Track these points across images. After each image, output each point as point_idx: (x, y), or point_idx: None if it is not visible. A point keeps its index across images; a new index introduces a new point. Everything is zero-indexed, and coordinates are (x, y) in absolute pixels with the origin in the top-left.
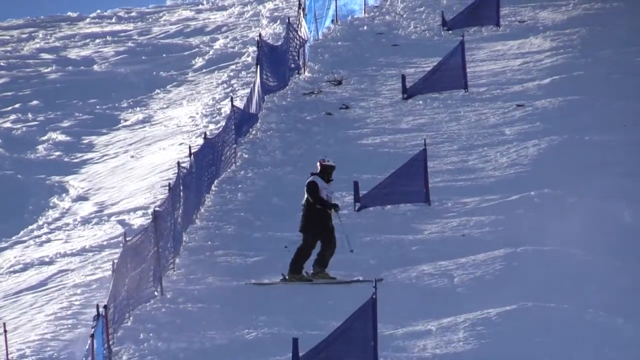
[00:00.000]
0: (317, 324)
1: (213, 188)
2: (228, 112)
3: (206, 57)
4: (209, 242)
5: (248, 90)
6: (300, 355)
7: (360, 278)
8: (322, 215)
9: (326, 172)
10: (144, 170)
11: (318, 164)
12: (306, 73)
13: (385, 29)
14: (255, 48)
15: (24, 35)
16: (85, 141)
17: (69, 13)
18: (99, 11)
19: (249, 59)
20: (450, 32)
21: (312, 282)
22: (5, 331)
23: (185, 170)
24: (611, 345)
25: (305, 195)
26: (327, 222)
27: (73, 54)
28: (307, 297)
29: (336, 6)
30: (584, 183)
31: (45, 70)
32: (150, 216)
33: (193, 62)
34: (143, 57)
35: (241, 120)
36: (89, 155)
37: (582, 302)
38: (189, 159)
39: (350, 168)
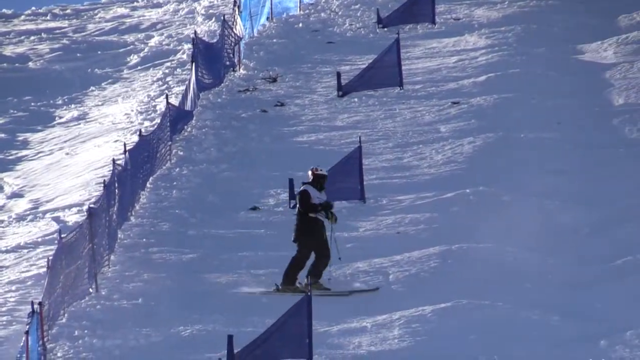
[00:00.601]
0: (252, 321)
1: (148, 185)
2: (163, 109)
3: (141, 55)
4: (144, 239)
5: (183, 87)
6: (235, 352)
7: (359, 287)
8: (316, 225)
9: (318, 182)
10: (79, 168)
11: (310, 172)
12: (241, 70)
13: (321, 26)
14: (190, 45)
15: None
16: (20, 138)
17: (4, 10)
18: (33, 8)
19: (184, 57)
20: (385, 29)
21: (306, 293)
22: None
23: (120, 168)
24: (546, 343)
25: (297, 205)
26: (321, 232)
27: (8, 50)
28: (242, 295)
29: (271, 4)
30: (519, 181)
31: None
32: (85, 213)
33: (128, 60)
34: (78, 54)
35: (176, 118)
36: (24, 152)
37: (517, 300)
38: (124, 156)
39: (285, 165)
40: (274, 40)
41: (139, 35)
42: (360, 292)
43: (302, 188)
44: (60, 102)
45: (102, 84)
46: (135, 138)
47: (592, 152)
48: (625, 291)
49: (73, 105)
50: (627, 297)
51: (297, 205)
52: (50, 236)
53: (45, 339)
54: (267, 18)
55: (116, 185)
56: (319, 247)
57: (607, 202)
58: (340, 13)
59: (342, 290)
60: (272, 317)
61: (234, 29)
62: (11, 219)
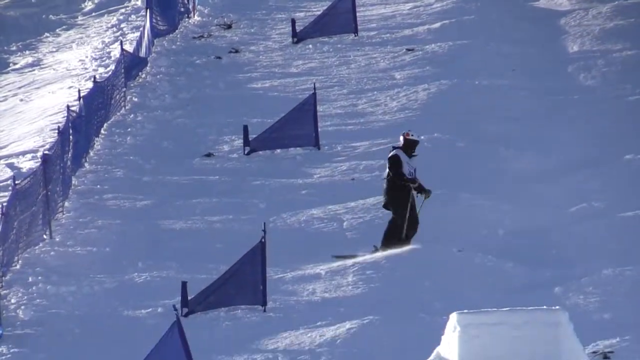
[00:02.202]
0: (206, 268)
1: (102, 132)
2: (118, 55)
3: (95, 1)
4: (98, 186)
5: (137, 34)
6: (189, 299)
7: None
8: (402, 193)
9: (410, 147)
10: (33, 114)
11: (401, 137)
12: (196, 17)
13: None
14: None
15: None
16: None
17: None
18: None
19: (139, 3)
20: None
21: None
22: None
23: (74, 114)
24: (500, 289)
25: (387, 170)
26: (409, 198)
27: None
28: (197, 241)
29: None
30: (474, 127)
31: None
32: (40, 160)
33: (82, 6)
34: (32, 0)
35: (131, 64)
36: None
37: (472, 246)
38: (78, 102)
39: (239, 112)
40: None
41: None
42: None
43: (392, 152)
44: (14, 48)
45: (57, 30)
46: (90, 84)
47: (546, 99)
48: (580, 238)
49: (27, 52)
50: (581, 244)
51: (387, 170)
52: (4, 183)
53: None
54: None
55: (70, 131)
56: (410, 214)
57: (561, 149)
58: None
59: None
60: (227, 264)
61: None
62: None
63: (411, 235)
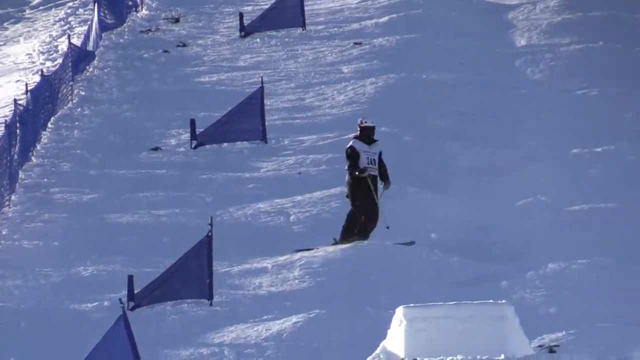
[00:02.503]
0: (152, 262)
1: (50, 125)
2: (65, 49)
3: None
4: (45, 180)
5: (85, 27)
6: (135, 292)
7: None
8: (361, 183)
9: (366, 134)
10: None
11: (358, 126)
12: (144, 11)
13: None
14: None
15: None
16: None
17: None
18: None
19: None
20: None
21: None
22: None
23: (21, 108)
24: (446, 282)
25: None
26: (367, 191)
27: None
28: (143, 235)
29: None
30: (421, 121)
31: None
32: None
33: (30, 0)
34: None
35: (78, 58)
36: None
37: (419, 240)
38: (25, 96)
39: (187, 106)
40: None
41: None
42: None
43: (349, 143)
44: None
45: (4, 24)
46: (37, 78)
47: (494, 94)
48: (527, 232)
49: None
50: (528, 238)
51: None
52: None
53: None
54: None
55: (17, 125)
56: (367, 206)
57: (508, 143)
58: None
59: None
60: (173, 258)
61: None
62: None
63: (370, 229)
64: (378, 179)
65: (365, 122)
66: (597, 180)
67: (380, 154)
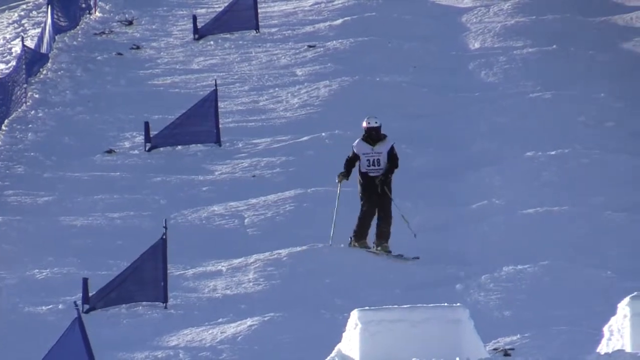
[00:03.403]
0: (106, 264)
1: (3, 128)
2: (19, 52)
3: None
4: (0, 182)
5: (39, 30)
6: (90, 295)
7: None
8: (364, 182)
9: (369, 134)
10: None
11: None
12: (97, 13)
13: None
14: None
15: None
16: None
17: None
18: None
19: None
20: None
21: (376, 254)
22: None
23: None
24: (402, 286)
25: None
26: (370, 190)
27: None
28: (97, 238)
29: None
30: None
31: None
32: None
33: None
34: None
35: (32, 60)
36: None
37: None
38: None
39: (141, 108)
40: None
41: None
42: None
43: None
44: None
45: None
46: None
47: (448, 97)
48: (481, 235)
49: None
50: (482, 241)
51: None
52: None
53: None
54: None
55: None
56: (374, 205)
57: (463, 146)
58: None
59: (407, 256)
60: (128, 261)
61: None
62: None
63: (384, 228)
64: (391, 177)
65: (369, 122)
66: (551, 183)
67: (391, 148)
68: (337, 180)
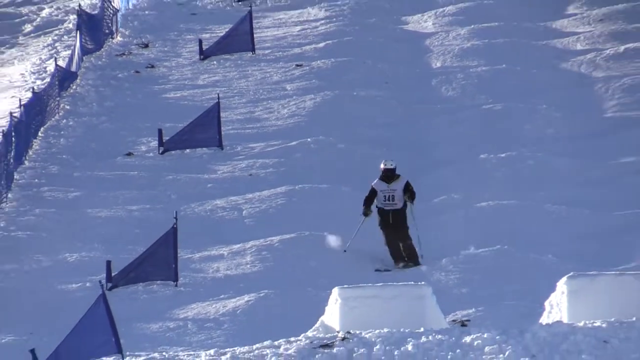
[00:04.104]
0: (126, 249)
1: (40, 134)
2: (52, 70)
3: (34, 24)
4: (36, 180)
5: (69, 51)
6: (112, 275)
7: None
8: (383, 219)
9: (385, 174)
10: None
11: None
12: (118, 38)
13: (185, 0)
14: (75, 16)
15: None
16: None
17: None
18: None
19: (70, 25)
20: (240, 3)
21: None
22: None
23: (16, 119)
24: (375, 267)
25: None
26: (384, 222)
27: None
28: (119, 227)
29: None
30: (353, 132)
31: None
32: None
33: (23, 28)
34: None
35: (63, 77)
36: None
37: (350, 231)
38: (19, 109)
39: (155, 118)
40: (146, 12)
41: (32, 8)
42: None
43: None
44: None
45: (1, 49)
46: (29, 94)
47: (414, 108)
48: (442, 224)
49: None
50: (443, 230)
51: None
52: None
53: None
54: None
55: (13, 134)
56: (391, 233)
57: (427, 150)
58: None
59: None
60: (144, 246)
61: (112, 2)
62: None
63: (407, 250)
64: (404, 209)
65: (386, 164)
66: (502, 181)
67: (406, 184)
68: (363, 218)
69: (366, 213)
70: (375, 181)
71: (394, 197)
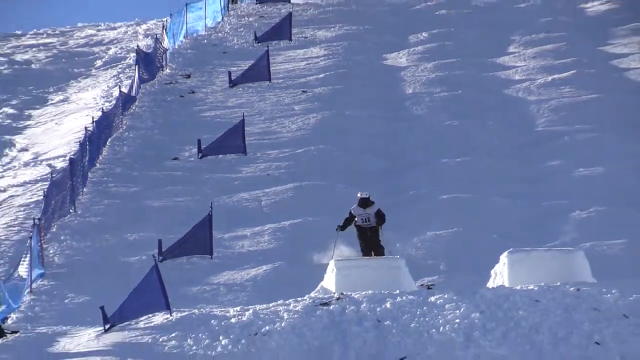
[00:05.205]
0: (173, 231)
1: (107, 144)
2: (117, 95)
3: (103, 60)
4: (105, 178)
5: (130, 81)
6: (163, 250)
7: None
8: (361, 233)
9: (362, 202)
10: (64, 132)
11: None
12: (167, 70)
13: (218, 41)
14: (135, 54)
15: None
16: (25, 113)
17: (16, 31)
18: (35, 30)
19: (131, 61)
20: (259, 44)
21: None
22: None
23: (90, 132)
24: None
25: None
26: (362, 237)
27: (18, 56)
28: (168, 214)
29: (186, 27)
30: (345, 141)
31: (0, 67)
32: (68, 161)
33: (95, 63)
34: (63, 60)
35: (125, 100)
36: (28, 122)
37: (342, 216)
38: (92, 125)
39: (196, 132)
40: (188, 51)
41: (102, 47)
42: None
43: (350, 208)
44: (51, 90)
45: (78, 79)
46: (99, 113)
47: (391, 124)
48: (413, 212)
49: (60, 92)
50: (414, 216)
51: None
52: (46, 176)
53: (42, 242)
54: (184, 36)
55: (87, 143)
56: (368, 246)
57: (400, 155)
58: (231, 33)
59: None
60: (187, 228)
61: (162, 44)
62: (20, 164)
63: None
64: (377, 226)
65: (362, 194)
66: (460, 179)
67: (378, 210)
68: (336, 230)
69: (341, 229)
70: (354, 207)
71: (370, 219)
